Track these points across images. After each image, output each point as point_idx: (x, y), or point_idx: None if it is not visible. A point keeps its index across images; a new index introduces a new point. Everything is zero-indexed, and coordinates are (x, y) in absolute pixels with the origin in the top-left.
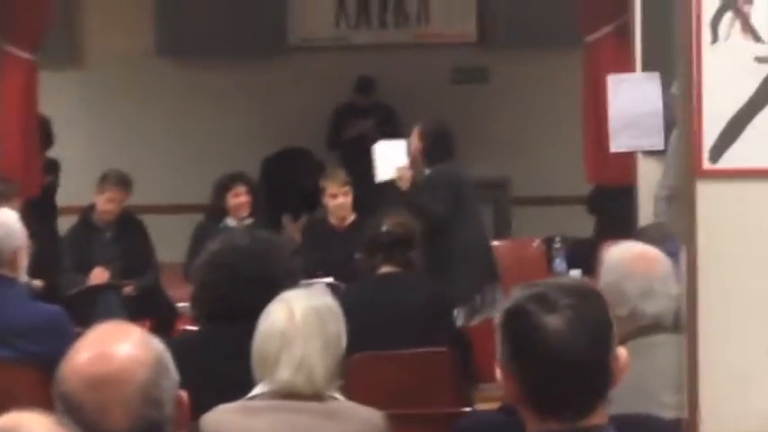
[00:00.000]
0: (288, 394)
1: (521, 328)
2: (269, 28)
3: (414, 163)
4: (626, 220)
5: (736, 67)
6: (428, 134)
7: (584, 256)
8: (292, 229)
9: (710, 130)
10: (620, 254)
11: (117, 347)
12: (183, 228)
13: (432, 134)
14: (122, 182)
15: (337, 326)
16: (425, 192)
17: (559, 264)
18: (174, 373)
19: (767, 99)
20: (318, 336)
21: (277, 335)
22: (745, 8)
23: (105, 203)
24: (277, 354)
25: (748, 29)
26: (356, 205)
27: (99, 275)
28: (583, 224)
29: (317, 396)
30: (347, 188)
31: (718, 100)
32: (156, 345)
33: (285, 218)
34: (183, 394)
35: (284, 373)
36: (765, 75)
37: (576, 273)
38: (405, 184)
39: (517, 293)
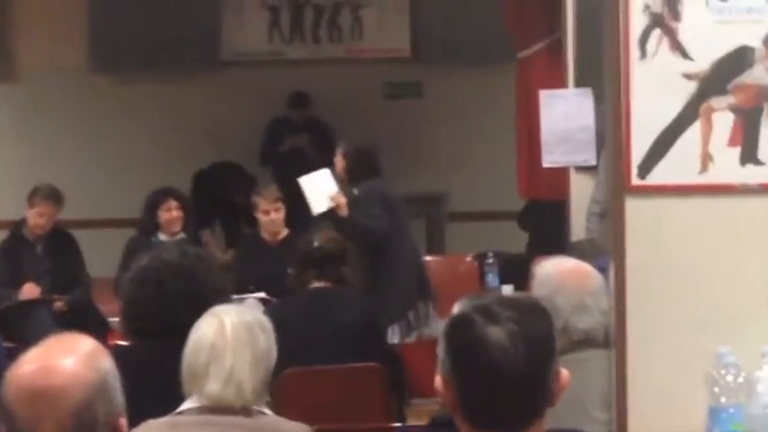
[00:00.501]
0: (216, 408)
1: (463, 338)
2: (202, 43)
3: (339, 183)
4: (558, 235)
5: (664, 84)
6: (351, 153)
7: (517, 271)
8: (211, 244)
9: (639, 146)
10: (553, 268)
11: (61, 362)
12: (116, 242)
13: (355, 153)
14: (53, 196)
15: (267, 340)
16: (359, 210)
17: (492, 279)
18: (116, 399)
19: (694, 115)
20: (248, 349)
21: (206, 347)
22: (673, 25)
23: (36, 218)
24: (206, 366)
25: (676, 46)
26: (289, 220)
27: (30, 291)
28: (518, 239)
29: (245, 410)
30: (279, 204)
31: (647, 116)
32: (104, 366)
33: (205, 233)
34: (123, 421)
35: (213, 386)
36: (693, 91)
37: (508, 288)
38: (344, 210)
39: (464, 303)
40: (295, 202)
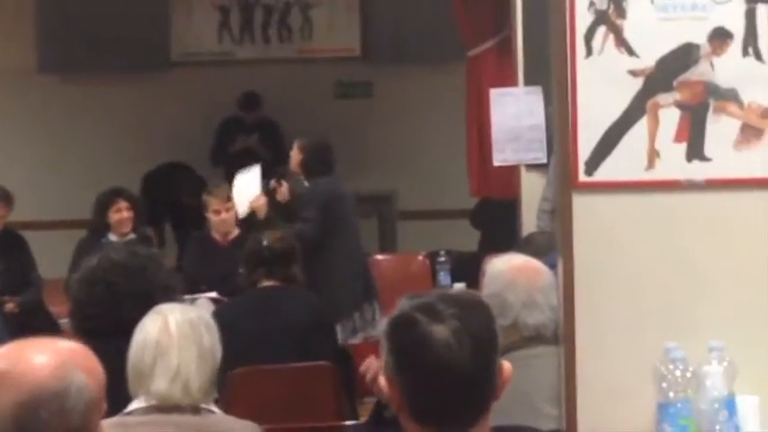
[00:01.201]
0: (164, 407)
1: (407, 337)
2: (152, 43)
3: (293, 175)
4: (509, 233)
5: (611, 81)
6: (307, 148)
7: (469, 269)
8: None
9: (586, 143)
10: (503, 265)
11: (33, 357)
12: (66, 243)
13: (311, 148)
14: (3, 196)
15: (211, 338)
16: (302, 205)
17: (444, 277)
18: (70, 415)
19: (640, 112)
20: (193, 347)
21: (152, 346)
22: (619, 22)
23: None
24: (152, 365)
25: (621, 43)
26: (240, 220)
27: None
28: (469, 238)
29: (193, 408)
30: (230, 204)
31: (593, 113)
32: (72, 379)
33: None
34: None
35: (160, 385)
36: (639, 88)
37: (460, 286)
38: (261, 213)
39: (404, 303)
40: None
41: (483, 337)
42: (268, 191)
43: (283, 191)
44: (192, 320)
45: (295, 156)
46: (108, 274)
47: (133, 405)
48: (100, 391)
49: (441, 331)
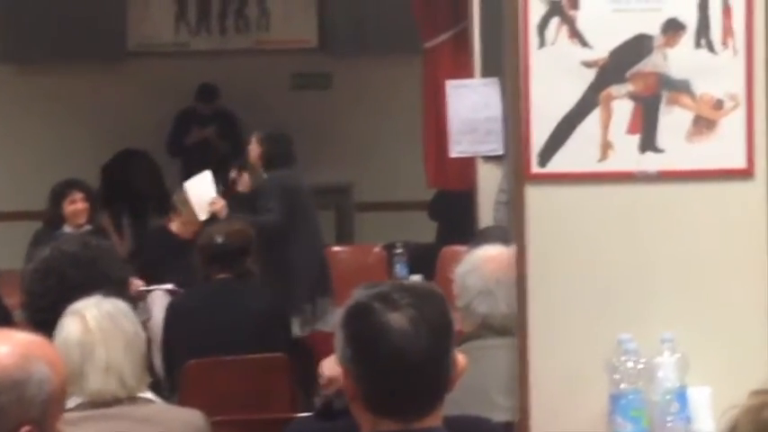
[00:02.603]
0: (101, 402)
1: (364, 326)
2: (108, 33)
3: (253, 169)
4: (467, 225)
5: (564, 72)
6: (267, 139)
7: (426, 261)
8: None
9: (539, 135)
10: (479, 251)
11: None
12: (22, 235)
13: (270, 139)
14: None
15: (133, 324)
16: (262, 197)
17: (400, 269)
18: (29, 406)
19: (594, 103)
20: (117, 338)
21: (75, 347)
22: (572, 13)
23: None
24: (81, 366)
25: (575, 33)
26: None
27: None
28: (426, 230)
29: (131, 399)
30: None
31: (546, 104)
32: (33, 370)
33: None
34: (24, 430)
35: (94, 383)
36: (591, 79)
37: (417, 278)
38: (222, 214)
39: (360, 293)
40: None
41: (439, 326)
42: (225, 189)
43: (245, 181)
44: (110, 312)
45: (254, 148)
46: (60, 265)
47: (70, 403)
48: (61, 384)
49: (397, 319)
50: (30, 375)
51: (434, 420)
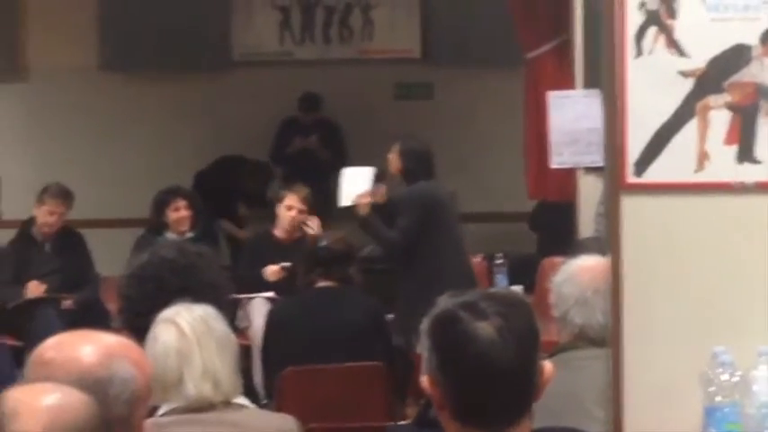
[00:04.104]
0: (196, 408)
1: (451, 335)
2: (213, 42)
3: (391, 181)
4: (568, 236)
5: (660, 81)
6: (408, 152)
7: (527, 272)
8: (228, 228)
9: (635, 144)
10: (578, 261)
11: (80, 346)
12: (127, 242)
13: (412, 153)
14: (63, 194)
15: (223, 327)
16: (399, 211)
17: (501, 280)
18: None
19: (691, 113)
20: (211, 341)
21: (173, 354)
22: (669, 23)
23: (45, 216)
24: (179, 373)
25: (672, 43)
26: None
27: (35, 289)
28: (526, 241)
29: (225, 404)
30: (305, 207)
31: (643, 114)
32: (117, 368)
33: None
34: None
35: (191, 389)
36: (689, 89)
37: (517, 289)
38: (363, 211)
39: (446, 301)
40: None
41: (526, 334)
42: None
43: (382, 192)
44: (202, 316)
45: (394, 160)
46: (158, 270)
47: (164, 407)
48: (146, 385)
49: (485, 328)
50: (113, 374)
51: (523, 430)
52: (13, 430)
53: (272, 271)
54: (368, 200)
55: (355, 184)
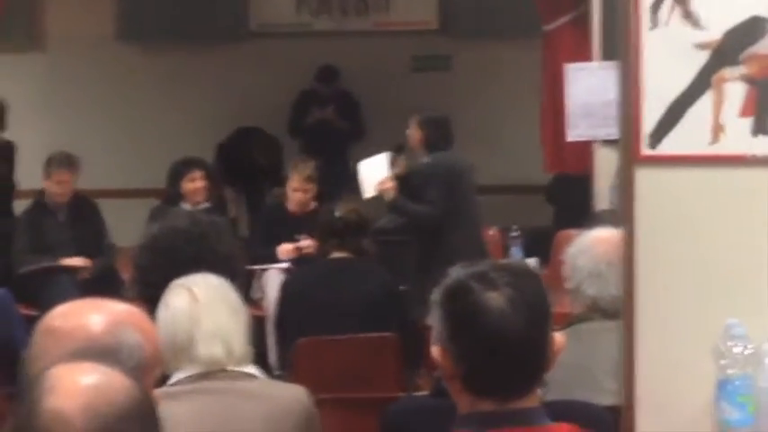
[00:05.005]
0: (208, 373)
1: (462, 305)
2: (230, 13)
3: (410, 152)
4: (583, 209)
5: (676, 54)
6: (427, 122)
7: (542, 245)
8: (234, 205)
9: (650, 116)
10: (592, 233)
11: (87, 314)
12: (143, 212)
13: (431, 122)
14: (67, 162)
15: (236, 295)
16: (421, 182)
17: (516, 252)
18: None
19: (706, 85)
20: (223, 306)
21: (184, 318)
22: None
23: (55, 186)
24: (190, 335)
25: (688, 15)
26: (317, 193)
27: (76, 262)
28: (543, 213)
29: (236, 372)
30: (310, 185)
31: (658, 86)
32: (125, 337)
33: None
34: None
35: (203, 350)
36: (704, 61)
37: (532, 261)
38: (389, 195)
39: (457, 272)
40: (323, 173)
41: (537, 305)
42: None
43: (400, 164)
44: (215, 285)
45: (413, 132)
46: (170, 240)
47: (176, 376)
48: (154, 353)
49: (496, 298)
50: (120, 342)
51: (532, 401)
52: (47, 406)
53: (285, 250)
54: (390, 184)
55: (373, 173)
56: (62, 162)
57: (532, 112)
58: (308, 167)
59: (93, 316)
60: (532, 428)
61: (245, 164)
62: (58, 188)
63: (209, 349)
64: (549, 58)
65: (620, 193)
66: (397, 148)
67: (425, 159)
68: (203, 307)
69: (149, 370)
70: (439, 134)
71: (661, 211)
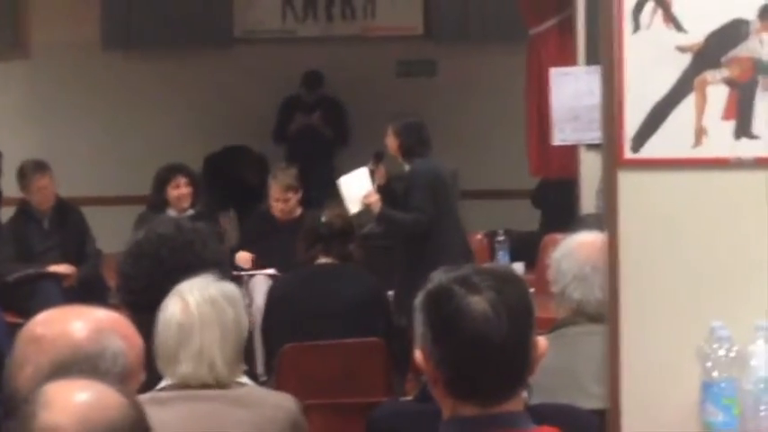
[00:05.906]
0: (193, 385)
1: (444, 309)
2: (215, 20)
3: (390, 160)
4: (569, 213)
5: (658, 57)
6: (402, 129)
7: (528, 249)
8: (228, 229)
9: (632, 120)
10: (576, 237)
11: (70, 322)
12: (128, 219)
13: (406, 129)
14: (41, 168)
15: (235, 311)
16: (406, 190)
17: (503, 257)
18: (105, 378)
19: (689, 88)
20: (215, 325)
21: (174, 329)
22: None
23: (37, 195)
24: (176, 348)
25: (670, 18)
26: (302, 199)
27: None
28: (529, 218)
29: (220, 384)
30: (290, 194)
31: (640, 89)
32: (108, 343)
33: (222, 218)
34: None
35: (186, 368)
36: (686, 64)
37: (519, 266)
38: (376, 208)
39: (439, 275)
40: (308, 180)
41: (519, 309)
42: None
43: (381, 172)
44: (213, 298)
45: (391, 140)
46: (154, 247)
47: (164, 382)
48: (137, 359)
49: (478, 302)
50: (103, 349)
51: (516, 405)
52: (42, 422)
53: (243, 258)
54: (375, 198)
55: (355, 188)
56: (35, 169)
57: (518, 116)
58: (288, 176)
59: (75, 323)
60: None
61: (233, 182)
62: (40, 195)
63: (193, 369)
64: (534, 63)
65: (603, 196)
66: (377, 157)
67: (406, 167)
68: (194, 322)
69: (133, 375)
70: (415, 140)
71: (645, 215)
